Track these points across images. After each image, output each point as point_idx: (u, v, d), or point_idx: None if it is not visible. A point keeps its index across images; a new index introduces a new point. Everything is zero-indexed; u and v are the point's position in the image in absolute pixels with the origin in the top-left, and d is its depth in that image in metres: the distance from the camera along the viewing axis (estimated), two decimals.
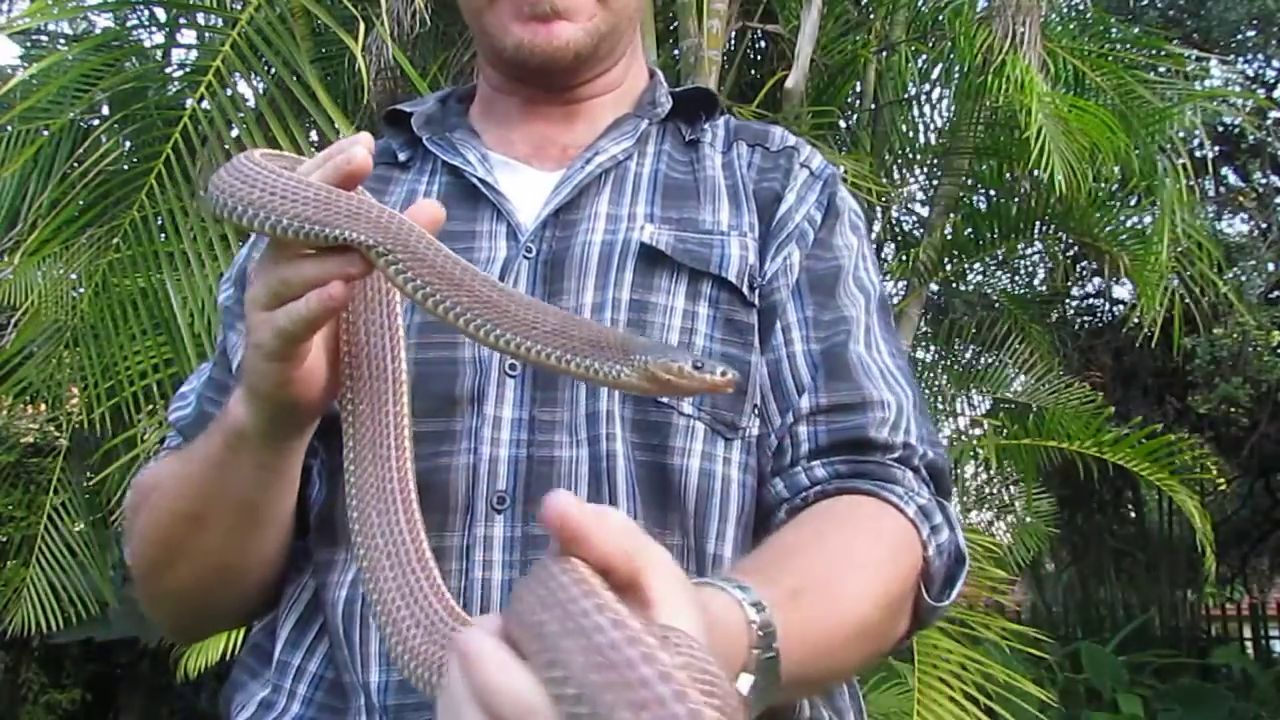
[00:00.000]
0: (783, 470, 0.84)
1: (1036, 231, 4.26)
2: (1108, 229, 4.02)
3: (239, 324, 0.91)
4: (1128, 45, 4.21)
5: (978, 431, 4.78)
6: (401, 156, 0.98)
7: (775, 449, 0.85)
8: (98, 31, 4.20)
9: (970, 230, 4.35)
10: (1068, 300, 6.98)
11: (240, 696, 0.85)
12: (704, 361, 0.60)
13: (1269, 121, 5.86)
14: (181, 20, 3.72)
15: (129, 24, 3.77)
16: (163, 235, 3.10)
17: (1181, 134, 4.07)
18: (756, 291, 0.89)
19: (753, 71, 4.46)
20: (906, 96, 4.49)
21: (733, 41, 4.06)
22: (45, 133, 3.39)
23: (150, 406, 3.10)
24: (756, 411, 0.86)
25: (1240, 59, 6.13)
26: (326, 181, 0.66)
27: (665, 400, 0.82)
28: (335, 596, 0.80)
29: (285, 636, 0.84)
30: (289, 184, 0.65)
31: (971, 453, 4.63)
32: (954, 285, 5.33)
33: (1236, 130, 5.94)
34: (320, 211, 0.64)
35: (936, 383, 4.88)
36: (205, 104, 3.07)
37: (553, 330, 0.62)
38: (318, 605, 0.83)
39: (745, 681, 0.59)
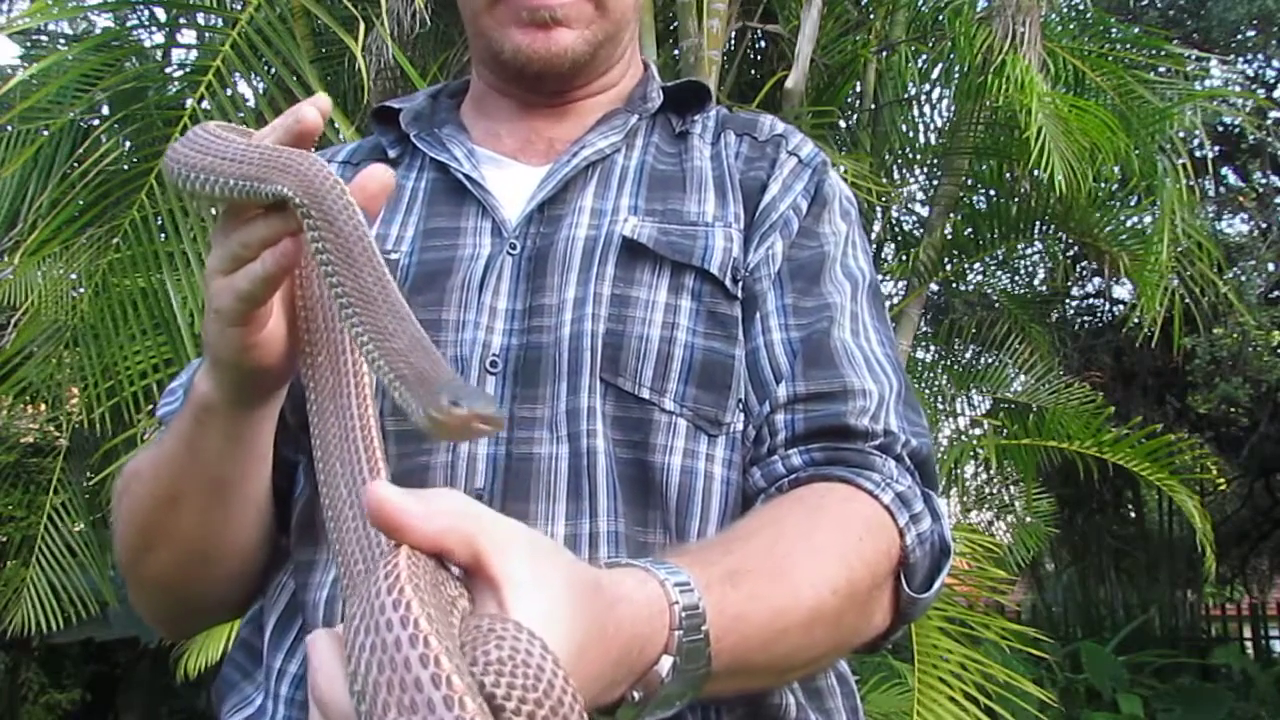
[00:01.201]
0: (760, 460, 0.83)
1: (1036, 231, 4.26)
2: (1108, 229, 4.02)
3: None
4: (1128, 45, 4.21)
5: (978, 431, 4.78)
6: (391, 153, 0.97)
7: (754, 439, 0.83)
8: (98, 31, 4.21)
9: (970, 230, 4.36)
10: (1068, 300, 6.99)
11: (233, 696, 0.85)
12: (462, 397, 0.53)
13: (1269, 121, 5.86)
14: (181, 20, 3.72)
15: (129, 24, 3.78)
16: (163, 235, 3.10)
17: (1181, 134, 4.07)
18: (740, 284, 0.87)
19: (753, 71, 4.46)
20: (906, 96, 4.49)
21: (733, 41, 4.06)
22: (45, 133, 3.40)
23: (150, 406, 3.10)
24: (741, 407, 0.84)
25: (1240, 59, 6.13)
26: (278, 143, 0.66)
27: (646, 397, 0.81)
28: (315, 598, 0.79)
29: (269, 639, 0.83)
30: (235, 147, 0.66)
31: (971, 453, 4.63)
32: (954, 285, 5.33)
33: (1236, 130, 5.93)
34: (258, 169, 0.64)
35: (936, 383, 4.88)
36: (205, 104, 3.08)
37: (399, 349, 0.59)
38: (296, 606, 0.82)
39: (665, 663, 0.58)
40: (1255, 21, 5.59)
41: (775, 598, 0.66)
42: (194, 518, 0.79)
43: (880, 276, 4.90)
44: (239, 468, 0.78)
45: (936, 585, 0.79)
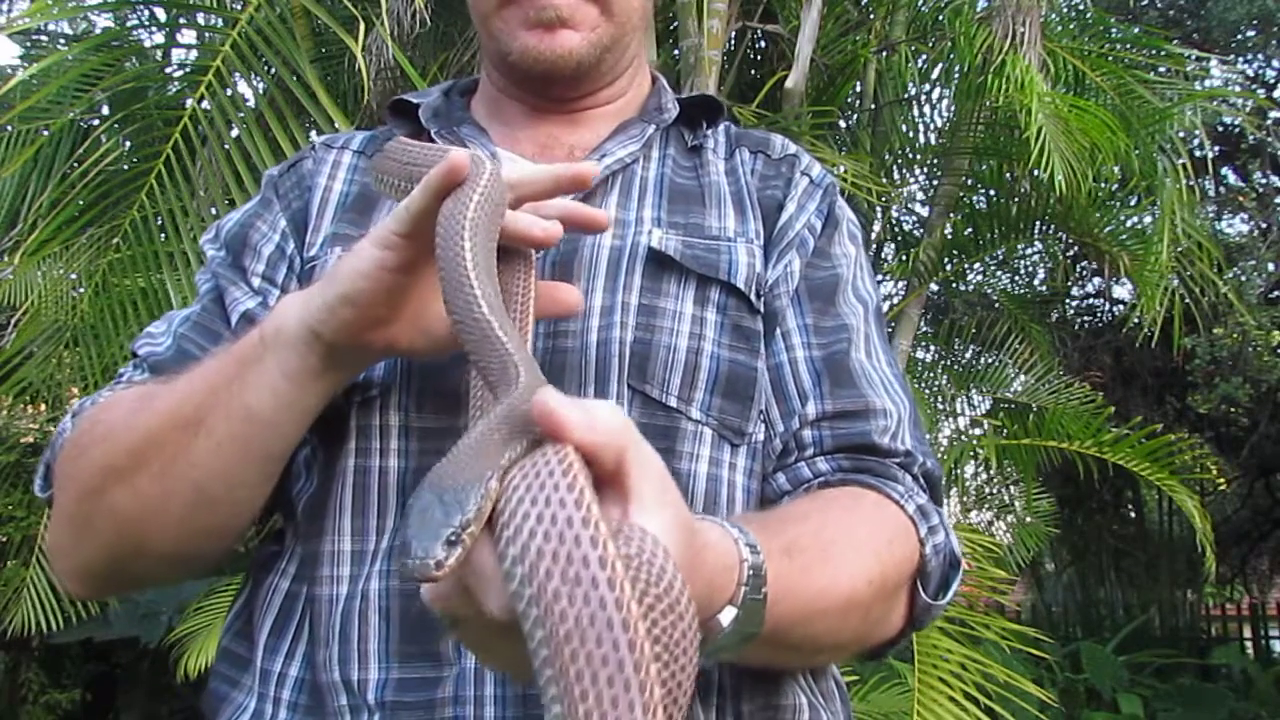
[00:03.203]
0: (786, 467, 0.85)
1: (1036, 231, 4.26)
2: (1108, 229, 4.02)
3: (242, 281, 0.90)
4: (1128, 45, 4.20)
5: (978, 431, 4.78)
6: None
7: (780, 451, 0.86)
8: (98, 31, 4.20)
9: (970, 230, 4.35)
10: (1068, 300, 6.99)
11: (226, 709, 0.83)
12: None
13: (1269, 121, 5.86)
14: (181, 20, 3.71)
15: (129, 24, 3.77)
16: (163, 235, 3.10)
17: (1181, 134, 4.06)
18: (761, 299, 0.89)
19: (753, 71, 4.46)
20: (906, 96, 4.49)
21: (733, 41, 4.06)
22: (45, 133, 3.39)
23: None
24: (762, 418, 0.87)
25: (1240, 59, 6.13)
26: (553, 175, 0.72)
27: (674, 405, 0.83)
28: (333, 592, 0.79)
29: (264, 642, 0.82)
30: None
31: (971, 453, 4.63)
32: (954, 285, 5.33)
33: (1236, 130, 5.93)
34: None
35: (936, 383, 4.88)
36: (205, 104, 3.07)
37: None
38: (292, 606, 0.82)
39: (728, 614, 0.61)
40: (1255, 21, 5.59)
41: (821, 578, 0.70)
42: (210, 447, 0.75)
43: (880, 276, 4.84)
44: (279, 411, 0.74)
45: (948, 595, 0.83)
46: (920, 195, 4.97)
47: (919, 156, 4.56)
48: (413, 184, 0.69)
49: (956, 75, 4.07)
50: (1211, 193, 6.23)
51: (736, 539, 0.62)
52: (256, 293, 0.90)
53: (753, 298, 0.88)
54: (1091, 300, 7.41)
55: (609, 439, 0.51)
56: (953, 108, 4.33)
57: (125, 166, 3.24)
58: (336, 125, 2.88)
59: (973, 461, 4.90)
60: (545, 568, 0.44)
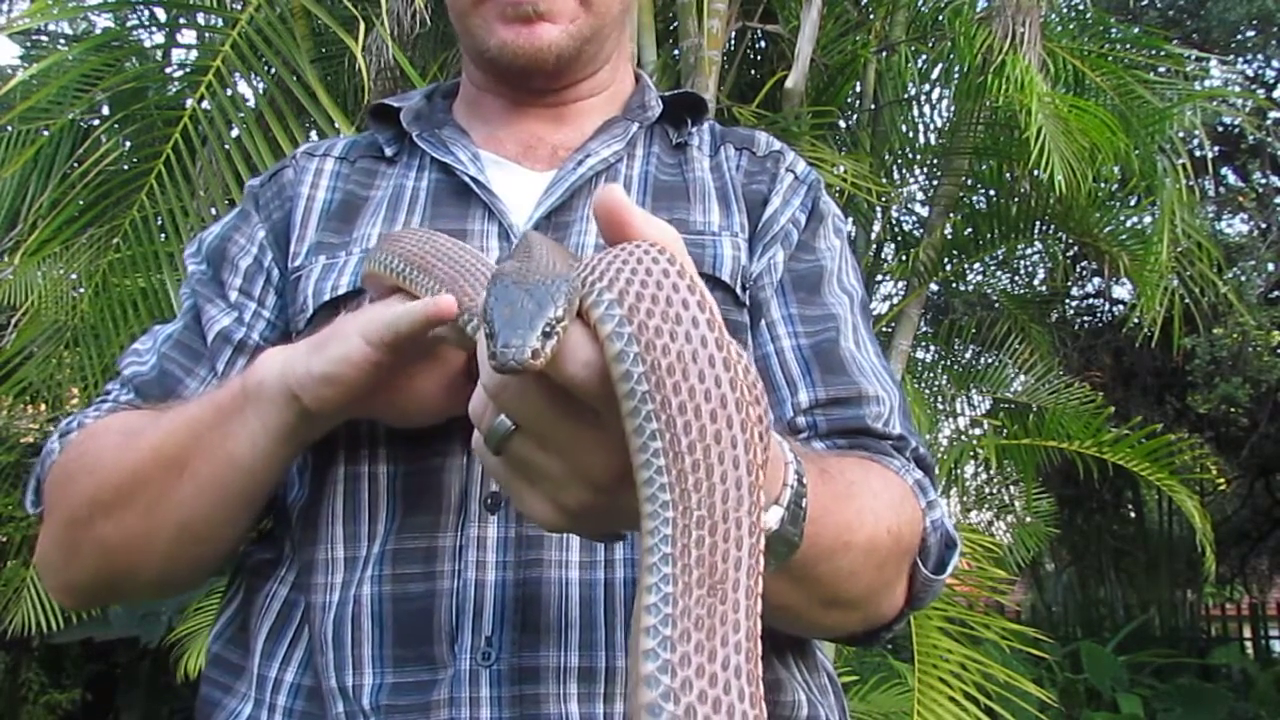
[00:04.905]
0: None
1: (1036, 231, 4.25)
2: (1108, 229, 4.01)
3: (218, 298, 0.91)
4: (1128, 45, 4.20)
5: (978, 431, 4.78)
6: (388, 151, 0.98)
7: None
8: (98, 31, 4.20)
9: (970, 230, 4.35)
10: (1068, 300, 6.98)
11: (219, 714, 0.83)
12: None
13: (1269, 121, 5.86)
14: (181, 20, 3.71)
15: (129, 24, 3.77)
16: (163, 235, 3.10)
17: (1181, 134, 4.06)
18: (747, 292, 0.89)
19: (753, 71, 4.45)
20: (906, 96, 4.48)
21: (733, 41, 4.05)
22: (45, 133, 3.39)
23: None
24: None
25: (1240, 59, 6.13)
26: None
27: None
28: (327, 599, 0.79)
29: (260, 648, 0.82)
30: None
31: (971, 453, 4.63)
32: (954, 285, 5.33)
33: (1236, 130, 5.93)
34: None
35: (936, 383, 4.87)
36: (205, 104, 3.07)
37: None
38: (291, 612, 0.82)
39: (774, 514, 0.59)
40: (1255, 21, 5.59)
41: (848, 511, 0.69)
42: (192, 489, 0.77)
43: (880, 276, 4.80)
44: (258, 460, 0.76)
45: (947, 571, 0.82)
46: (920, 195, 4.96)
47: (919, 156, 4.55)
48: (414, 271, 0.71)
49: (956, 75, 4.07)
50: (1211, 193, 6.23)
51: (780, 442, 0.60)
52: (233, 307, 0.91)
53: (738, 291, 0.88)
54: (1091, 300, 7.41)
55: (664, 237, 0.52)
56: (953, 108, 4.32)
57: (125, 166, 3.24)
58: (337, 125, 2.88)
59: (973, 461, 4.90)
60: (645, 308, 0.45)
